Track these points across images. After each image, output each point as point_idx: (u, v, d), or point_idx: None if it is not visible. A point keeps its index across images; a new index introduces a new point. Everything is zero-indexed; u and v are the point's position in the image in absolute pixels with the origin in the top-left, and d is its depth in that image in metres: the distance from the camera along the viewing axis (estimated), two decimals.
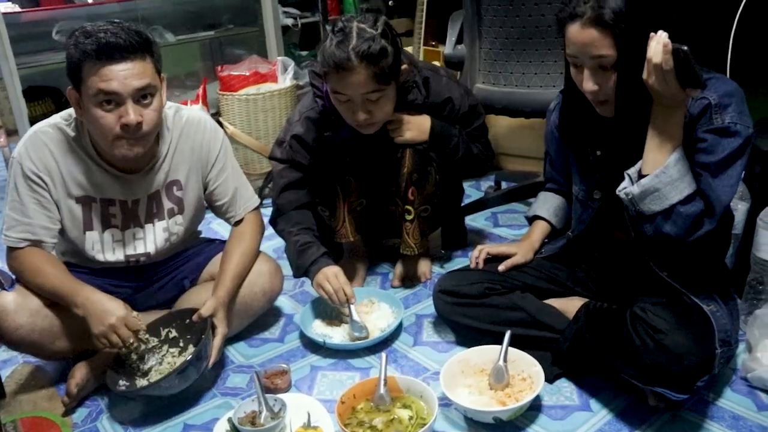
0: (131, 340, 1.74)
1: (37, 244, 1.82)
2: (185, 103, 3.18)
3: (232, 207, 2.04)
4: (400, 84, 1.99)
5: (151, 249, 1.98)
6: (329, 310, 2.12)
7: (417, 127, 2.07)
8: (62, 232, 1.89)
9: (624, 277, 1.75)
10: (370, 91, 1.90)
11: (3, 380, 2.03)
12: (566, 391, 1.69)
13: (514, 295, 1.82)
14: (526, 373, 1.67)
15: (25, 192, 1.80)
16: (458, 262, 2.44)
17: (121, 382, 1.79)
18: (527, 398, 1.56)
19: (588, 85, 1.47)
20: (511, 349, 1.70)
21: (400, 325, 2.05)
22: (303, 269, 2.09)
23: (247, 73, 3.07)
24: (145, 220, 1.96)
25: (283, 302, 2.30)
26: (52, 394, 1.96)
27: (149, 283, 2.08)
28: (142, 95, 1.69)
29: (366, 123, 1.98)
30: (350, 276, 2.33)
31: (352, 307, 2.02)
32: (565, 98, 1.69)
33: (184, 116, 1.96)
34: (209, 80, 3.42)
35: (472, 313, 1.84)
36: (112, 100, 1.66)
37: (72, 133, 1.82)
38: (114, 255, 1.95)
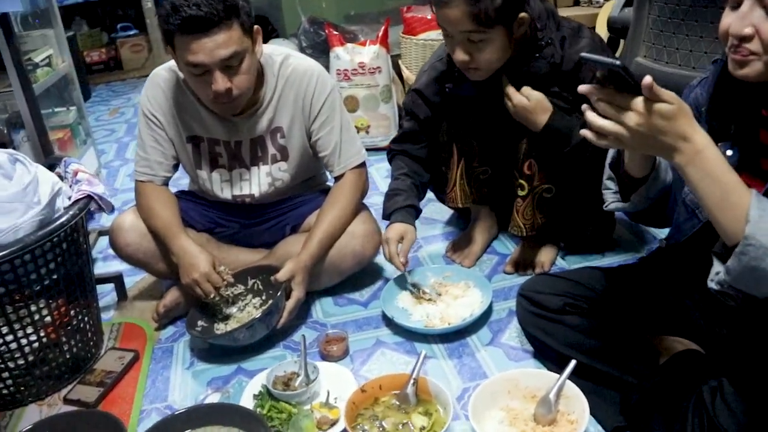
0: (212, 295, 1.82)
1: (153, 179, 1.97)
2: (363, 44, 3.14)
3: (332, 161, 1.98)
4: (517, 34, 1.74)
5: (255, 191, 2.01)
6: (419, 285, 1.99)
7: (532, 111, 1.79)
8: (183, 168, 2.03)
9: (722, 321, 1.39)
10: (468, 30, 1.68)
11: (129, 286, 2.25)
12: None
13: (598, 320, 1.54)
14: (576, 415, 1.42)
15: (144, 130, 1.96)
16: (594, 261, 2.12)
17: (199, 323, 1.89)
18: None
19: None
20: (570, 383, 1.45)
21: (486, 316, 1.87)
22: (385, 215, 2.02)
23: (429, 17, 2.91)
24: (251, 162, 1.99)
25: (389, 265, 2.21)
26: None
27: (256, 222, 2.13)
28: (230, 62, 1.70)
29: (466, 66, 1.77)
30: (463, 248, 2.19)
31: (409, 277, 1.95)
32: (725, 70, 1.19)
33: (292, 65, 1.93)
34: (393, 22, 3.31)
35: (547, 328, 1.59)
36: (201, 69, 1.69)
37: (183, 76, 1.88)
38: (222, 193, 2.03)
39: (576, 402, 1.43)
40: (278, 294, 1.79)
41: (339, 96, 2.01)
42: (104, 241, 2.66)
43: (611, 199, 1.41)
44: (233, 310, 1.92)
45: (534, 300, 1.61)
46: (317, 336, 1.79)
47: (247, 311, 1.92)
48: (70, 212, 1.68)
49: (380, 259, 2.20)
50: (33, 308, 1.66)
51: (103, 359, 1.87)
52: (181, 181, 2.40)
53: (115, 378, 1.78)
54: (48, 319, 1.70)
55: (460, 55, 1.74)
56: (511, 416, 1.47)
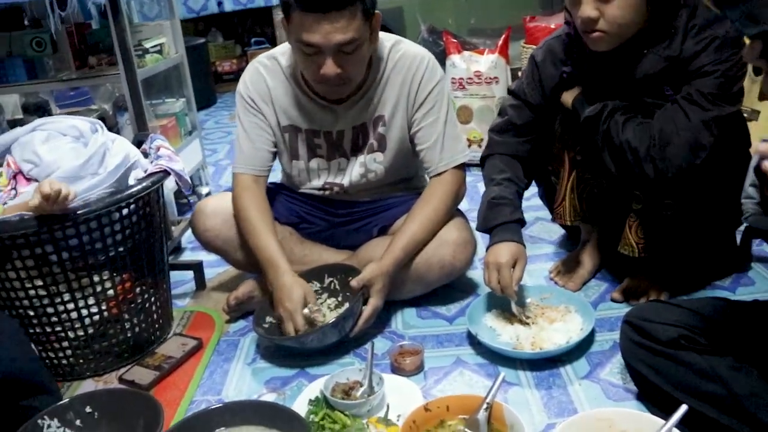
0: (301, 331, 1.63)
1: (253, 173, 1.84)
2: (481, 52, 2.96)
3: (430, 156, 1.80)
4: None
5: (346, 181, 1.87)
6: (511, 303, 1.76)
7: None
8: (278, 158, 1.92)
9: None
10: None
11: (210, 277, 2.17)
12: None
13: (722, 359, 1.27)
14: None
15: (244, 118, 1.85)
16: (718, 292, 1.81)
17: (268, 319, 1.76)
18: None
19: None
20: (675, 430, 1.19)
21: (586, 346, 1.62)
22: (486, 227, 1.75)
23: (553, 26, 2.69)
24: (351, 153, 1.86)
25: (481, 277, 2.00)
26: None
27: (343, 222, 1.98)
28: (344, 48, 1.57)
29: (591, 25, 1.51)
30: (569, 270, 1.95)
31: (514, 306, 1.69)
32: None
33: (402, 50, 1.78)
34: (516, 36, 3.10)
35: (655, 364, 1.33)
36: (313, 50, 1.58)
37: (285, 64, 1.79)
38: (318, 180, 1.91)
39: None
40: (355, 299, 1.64)
41: (448, 89, 1.84)
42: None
43: (751, 210, 1.15)
44: (305, 310, 1.77)
45: (642, 329, 1.36)
46: (390, 347, 1.60)
47: (321, 312, 1.76)
48: (142, 184, 1.59)
49: (475, 272, 2.00)
50: (96, 279, 1.59)
51: (167, 344, 1.78)
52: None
53: (174, 364, 1.68)
54: (111, 292, 1.62)
55: (587, 10, 1.48)
56: None
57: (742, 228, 1.91)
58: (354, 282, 1.66)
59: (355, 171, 1.86)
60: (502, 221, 1.72)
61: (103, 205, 1.51)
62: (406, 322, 1.82)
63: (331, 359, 1.67)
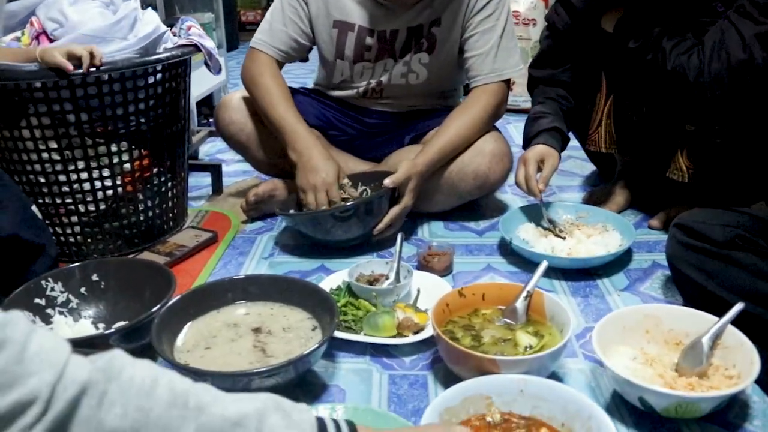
0: (323, 207, 1.56)
1: (277, 53, 1.75)
2: None
3: (479, 65, 1.70)
4: None
5: (384, 78, 1.77)
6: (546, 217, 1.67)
7: None
8: (319, 54, 1.83)
9: None
10: None
11: (227, 184, 2.09)
12: None
13: None
14: (738, 369, 1.06)
15: (286, 1, 1.74)
16: None
17: (292, 211, 1.65)
18: (722, 392, 0.98)
19: None
20: (733, 329, 1.10)
21: (624, 262, 1.53)
22: (526, 141, 1.70)
23: None
24: (400, 54, 1.75)
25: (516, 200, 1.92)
26: None
27: (374, 132, 1.89)
28: None
29: None
30: (604, 200, 1.85)
31: (545, 220, 1.64)
32: None
33: None
34: None
35: (707, 266, 1.24)
36: None
37: None
38: (359, 81, 1.82)
39: (739, 353, 1.07)
40: (382, 192, 1.54)
41: (509, 3, 1.74)
42: (212, 143, 2.55)
43: None
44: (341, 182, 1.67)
45: (695, 230, 1.26)
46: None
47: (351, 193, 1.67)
48: (172, 52, 1.50)
49: (506, 196, 1.92)
50: (114, 149, 1.50)
51: (180, 234, 1.70)
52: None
53: (186, 252, 1.60)
54: (127, 166, 1.53)
55: None
56: (647, 359, 1.13)
57: None
58: (387, 180, 1.56)
59: (396, 70, 1.77)
60: (539, 130, 1.67)
61: (129, 66, 1.42)
62: (434, 232, 1.74)
63: (353, 256, 1.58)
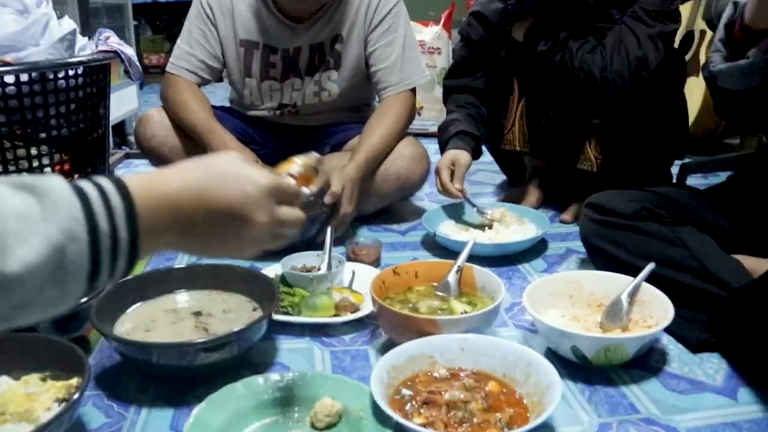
0: None
1: (189, 76, 1.80)
2: (426, 24, 3.04)
3: (386, 77, 1.80)
4: None
5: (298, 100, 1.84)
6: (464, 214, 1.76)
7: None
8: (228, 75, 1.88)
9: None
10: None
11: None
12: (708, 366, 1.12)
13: (682, 228, 1.29)
14: (655, 319, 1.15)
15: (195, 25, 1.80)
16: None
17: None
18: (645, 333, 1.06)
19: None
20: (646, 285, 1.19)
21: (541, 249, 1.62)
22: (441, 150, 1.82)
23: None
24: (305, 72, 1.83)
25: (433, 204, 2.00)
26: None
27: (294, 147, 1.93)
28: None
29: None
30: (517, 200, 1.94)
31: (474, 209, 1.75)
32: None
33: None
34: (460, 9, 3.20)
35: (618, 238, 1.35)
36: None
37: None
38: (271, 101, 1.87)
39: (655, 305, 1.17)
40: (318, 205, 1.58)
41: (406, 12, 1.84)
42: (127, 168, 2.52)
43: (718, 61, 1.19)
44: None
45: (604, 207, 1.37)
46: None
47: None
48: (93, 55, 1.51)
49: (423, 203, 2.00)
50: (33, 151, 1.47)
51: None
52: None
53: None
54: (48, 170, 1.50)
55: None
56: (574, 316, 1.21)
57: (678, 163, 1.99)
58: (327, 198, 1.59)
59: (309, 90, 1.84)
60: (447, 138, 1.80)
61: (50, 66, 1.41)
62: (358, 234, 1.78)
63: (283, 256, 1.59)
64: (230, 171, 0.68)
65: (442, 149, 1.82)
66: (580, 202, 1.81)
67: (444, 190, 1.72)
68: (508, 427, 0.88)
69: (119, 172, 2.46)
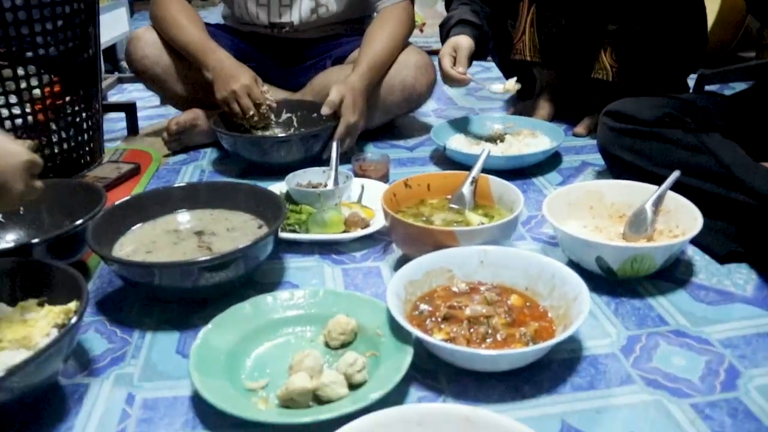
0: (251, 112, 1.56)
1: None
2: None
3: None
4: None
5: (295, 18, 1.74)
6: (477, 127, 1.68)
7: None
8: None
9: None
10: None
11: (143, 125, 1.99)
12: (737, 277, 1.07)
13: (708, 135, 1.22)
14: (682, 228, 1.09)
15: None
16: None
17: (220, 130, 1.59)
18: (673, 241, 1.00)
19: None
20: (672, 194, 1.13)
21: (556, 162, 1.56)
22: (441, 37, 1.74)
23: None
24: None
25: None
26: None
27: (293, 61, 1.84)
28: None
29: None
30: (528, 114, 1.86)
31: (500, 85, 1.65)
32: None
33: None
34: None
35: (639, 147, 1.28)
36: None
37: None
38: (259, 18, 1.76)
39: (681, 214, 1.10)
40: (324, 124, 1.53)
41: None
42: (120, 94, 2.43)
43: None
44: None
45: (625, 114, 1.30)
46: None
47: (273, 102, 1.64)
48: None
49: (430, 119, 1.92)
50: (21, 72, 1.38)
51: (98, 169, 1.60)
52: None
53: (108, 183, 1.50)
54: (37, 92, 1.42)
55: None
56: (596, 227, 1.15)
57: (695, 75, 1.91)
58: (324, 108, 1.53)
59: (304, 6, 1.73)
60: (446, 30, 1.71)
61: None
62: (364, 150, 1.71)
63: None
64: None
65: (442, 39, 1.73)
66: (594, 115, 1.75)
67: (447, 78, 1.63)
68: (533, 341, 0.83)
69: (112, 97, 2.37)
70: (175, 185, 1.21)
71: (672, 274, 1.07)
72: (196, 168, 1.63)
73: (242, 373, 0.83)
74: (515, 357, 0.79)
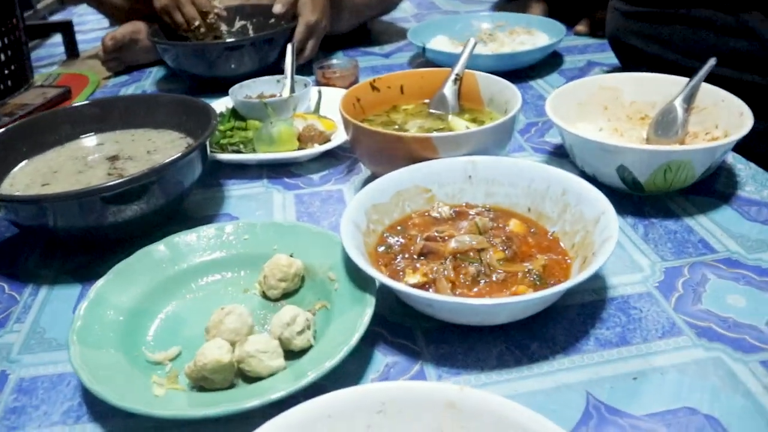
0: (197, 23, 1.31)
1: None
2: None
3: None
4: None
5: None
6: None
7: None
8: None
9: None
10: None
11: (83, 48, 1.73)
12: None
13: (748, 14, 0.98)
14: (724, 128, 0.85)
15: None
16: None
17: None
18: (720, 142, 0.76)
19: None
20: (707, 86, 0.89)
21: (555, 63, 1.32)
22: None
23: None
24: None
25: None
26: None
27: None
28: None
29: None
30: (520, 10, 1.61)
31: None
32: None
33: None
34: None
35: (660, 32, 1.04)
36: None
37: None
38: None
39: (722, 111, 0.86)
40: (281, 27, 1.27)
41: None
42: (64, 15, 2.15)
43: None
44: None
45: None
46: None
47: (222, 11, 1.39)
48: None
49: (408, 24, 1.66)
50: None
51: (21, 96, 1.35)
52: None
53: (30, 111, 1.25)
54: None
55: None
56: (615, 130, 0.92)
57: None
58: (277, 5, 1.28)
59: None
60: None
61: None
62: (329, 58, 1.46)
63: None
64: None
65: None
66: (595, 11, 1.51)
67: None
68: (542, 282, 0.61)
69: (55, 16, 2.09)
70: (85, 102, 0.96)
71: (711, 187, 0.84)
72: (138, 89, 1.39)
73: (146, 340, 0.60)
74: (518, 305, 0.57)
